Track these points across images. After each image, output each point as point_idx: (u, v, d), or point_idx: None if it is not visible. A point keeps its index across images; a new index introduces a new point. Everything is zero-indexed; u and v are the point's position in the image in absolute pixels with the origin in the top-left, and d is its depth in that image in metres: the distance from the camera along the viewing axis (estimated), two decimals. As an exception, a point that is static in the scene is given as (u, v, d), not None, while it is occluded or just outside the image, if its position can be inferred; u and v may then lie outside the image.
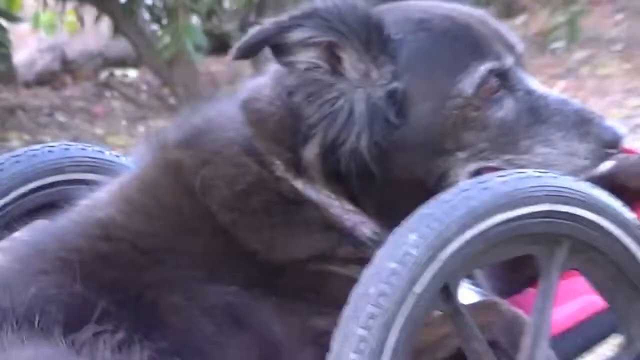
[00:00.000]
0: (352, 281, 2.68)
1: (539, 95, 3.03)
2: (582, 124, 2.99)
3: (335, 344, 2.64)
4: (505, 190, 2.76)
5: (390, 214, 2.90)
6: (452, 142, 2.97)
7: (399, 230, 2.71)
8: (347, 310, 2.65)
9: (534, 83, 3.05)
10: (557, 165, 2.95)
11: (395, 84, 2.95)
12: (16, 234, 3.48)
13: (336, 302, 2.69)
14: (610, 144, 2.99)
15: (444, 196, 2.75)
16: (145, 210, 3.02)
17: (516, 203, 2.76)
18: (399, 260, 2.65)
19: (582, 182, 2.92)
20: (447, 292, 2.72)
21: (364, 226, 3.01)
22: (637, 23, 10.51)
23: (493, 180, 2.80)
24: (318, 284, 2.94)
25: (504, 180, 2.79)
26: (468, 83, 2.96)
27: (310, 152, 2.97)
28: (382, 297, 2.63)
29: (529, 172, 2.86)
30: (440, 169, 2.98)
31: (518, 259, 2.93)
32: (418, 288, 2.64)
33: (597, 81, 8.74)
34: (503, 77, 3.00)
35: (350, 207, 3.01)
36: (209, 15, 11.11)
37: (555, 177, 2.87)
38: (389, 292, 2.63)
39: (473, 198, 2.73)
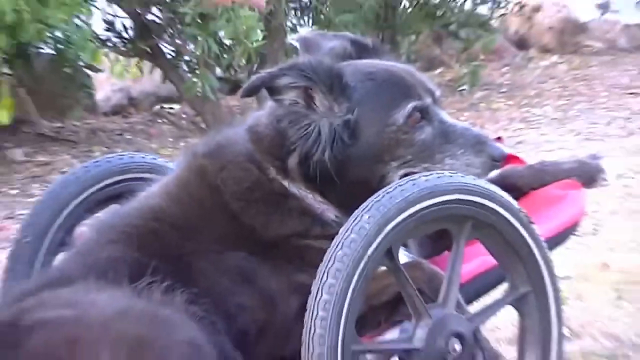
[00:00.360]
0: (322, 251, 2.66)
1: (449, 124, 3.03)
2: (478, 144, 2.98)
3: (314, 289, 2.61)
4: (428, 185, 2.74)
5: (347, 203, 2.89)
6: (388, 155, 2.96)
7: (357, 212, 2.69)
8: (321, 267, 2.63)
9: (446, 116, 3.04)
10: (459, 172, 2.91)
11: (349, 116, 2.94)
12: (96, 215, 3.47)
13: (312, 265, 2.68)
14: (497, 159, 2.99)
15: (387, 189, 2.73)
16: (181, 201, 3.01)
17: (435, 194, 2.74)
18: (356, 232, 2.63)
19: (481, 179, 2.91)
20: (390, 255, 2.69)
21: (329, 212, 3.00)
22: (516, 74, 10.54)
23: (420, 178, 2.77)
24: (299, 252, 2.93)
25: (427, 178, 2.77)
26: (400, 115, 2.96)
27: (292, 161, 2.96)
28: (345, 257, 2.61)
29: (445, 173, 2.84)
30: (379, 173, 2.97)
31: (437, 232, 2.90)
32: (369, 251, 2.63)
33: (490, 113, 8.74)
34: (424, 112, 2.99)
35: (319, 198, 3.00)
36: (227, 67, 11.09)
37: (462, 176, 2.84)
38: (349, 254, 2.61)
39: (406, 190, 2.70)
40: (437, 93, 3.10)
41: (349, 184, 2.96)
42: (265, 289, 2.92)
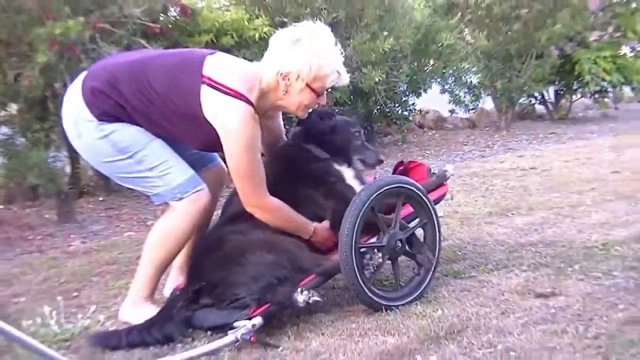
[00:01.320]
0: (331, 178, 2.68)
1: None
2: (372, 151, 2.85)
3: (343, 222, 2.51)
4: (387, 180, 2.65)
5: (334, 153, 2.77)
6: (345, 140, 2.80)
7: (359, 192, 2.57)
8: (345, 213, 2.53)
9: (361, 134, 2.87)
10: (366, 158, 2.81)
11: (334, 123, 2.79)
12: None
13: (329, 185, 2.64)
14: (380, 158, 2.86)
15: (372, 182, 2.62)
16: (270, 166, 2.67)
17: (390, 183, 2.64)
18: (359, 199, 2.54)
19: (405, 177, 2.81)
20: (372, 209, 2.59)
21: (324, 155, 2.77)
22: (419, 138, 10.27)
23: (385, 177, 2.68)
24: (322, 180, 2.74)
25: (388, 177, 2.69)
26: (351, 131, 2.82)
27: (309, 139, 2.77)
28: (354, 210, 2.53)
29: (394, 176, 2.76)
30: (344, 144, 2.80)
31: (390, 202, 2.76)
32: (364, 207, 2.54)
33: (409, 154, 8.45)
34: (360, 133, 2.84)
35: (322, 152, 2.78)
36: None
37: (401, 177, 2.76)
38: (356, 208, 2.53)
39: (379, 183, 2.61)
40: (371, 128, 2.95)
41: (332, 145, 2.77)
42: (314, 200, 2.71)
